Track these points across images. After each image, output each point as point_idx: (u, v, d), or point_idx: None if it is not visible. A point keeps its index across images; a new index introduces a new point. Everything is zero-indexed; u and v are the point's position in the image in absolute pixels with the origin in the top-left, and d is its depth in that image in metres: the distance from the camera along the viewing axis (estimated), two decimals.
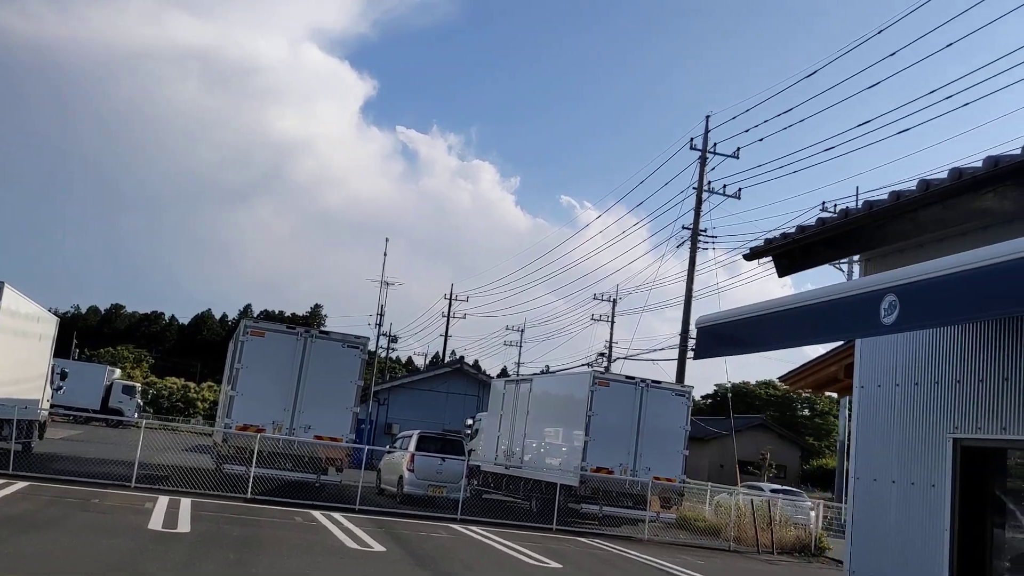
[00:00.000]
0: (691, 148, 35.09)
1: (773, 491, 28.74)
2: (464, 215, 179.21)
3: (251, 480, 19.49)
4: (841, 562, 23.51)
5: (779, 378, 9.38)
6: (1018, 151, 5.64)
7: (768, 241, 7.81)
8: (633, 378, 23.59)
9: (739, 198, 34.70)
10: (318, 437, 20.53)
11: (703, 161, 34.75)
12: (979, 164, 5.84)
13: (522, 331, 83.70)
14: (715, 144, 34.93)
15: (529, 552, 16.21)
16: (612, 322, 64.81)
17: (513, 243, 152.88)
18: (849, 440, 7.35)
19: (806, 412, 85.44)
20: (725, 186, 34.93)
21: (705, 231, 34.56)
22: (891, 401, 6.86)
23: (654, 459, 22.70)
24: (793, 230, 7.56)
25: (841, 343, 8.33)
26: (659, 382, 24.34)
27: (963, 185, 5.89)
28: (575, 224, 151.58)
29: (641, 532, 21.96)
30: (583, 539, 20.29)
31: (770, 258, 7.98)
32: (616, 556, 17.77)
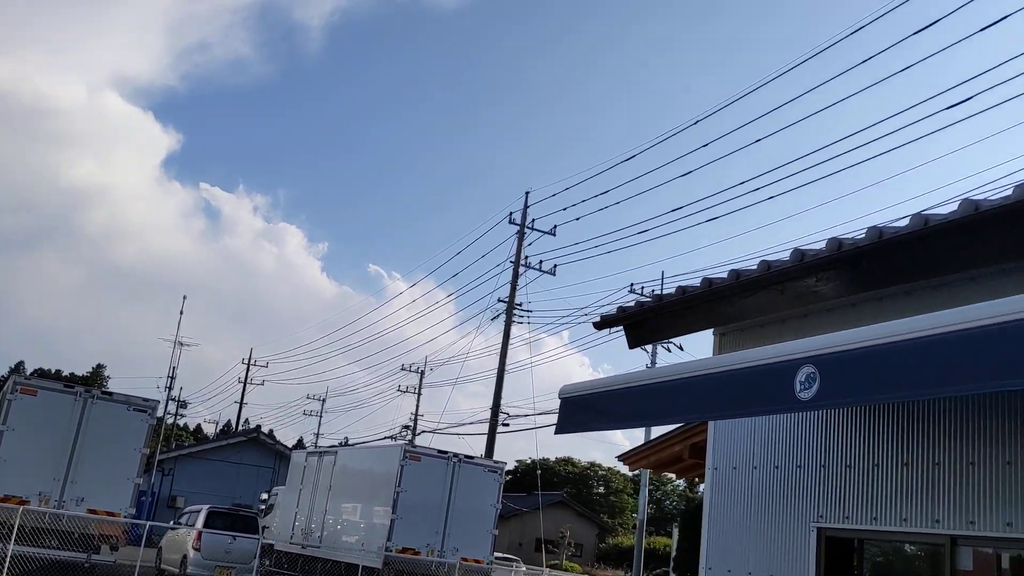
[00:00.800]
0: (510, 222, 35.23)
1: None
2: (267, 278, 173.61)
3: (7, 561, 16.89)
4: None
5: (619, 456, 8.91)
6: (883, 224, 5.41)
7: (622, 309, 7.32)
8: (445, 452, 22.67)
9: (554, 274, 35.02)
10: (92, 511, 18.18)
11: (521, 236, 34.93)
12: (819, 246, 5.62)
13: (323, 400, 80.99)
14: (533, 220, 35.26)
15: None
16: (419, 394, 63.69)
17: (317, 310, 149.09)
18: (703, 525, 6.84)
19: (601, 490, 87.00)
20: (541, 262, 35.18)
21: (520, 305, 34.54)
22: (748, 485, 6.41)
23: (462, 539, 21.73)
24: (649, 299, 7.09)
25: (682, 424, 7.94)
26: (472, 457, 23.50)
27: (835, 258, 5.58)
28: (383, 295, 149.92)
29: None
30: None
31: (621, 328, 7.48)
32: None
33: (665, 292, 7.10)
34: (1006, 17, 11.87)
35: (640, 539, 39.22)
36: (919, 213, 5.23)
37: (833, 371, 3.56)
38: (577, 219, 41.14)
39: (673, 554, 42.37)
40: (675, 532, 43.21)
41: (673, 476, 9.61)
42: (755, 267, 6.24)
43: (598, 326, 7.54)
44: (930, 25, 13.13)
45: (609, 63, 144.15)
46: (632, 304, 7.32)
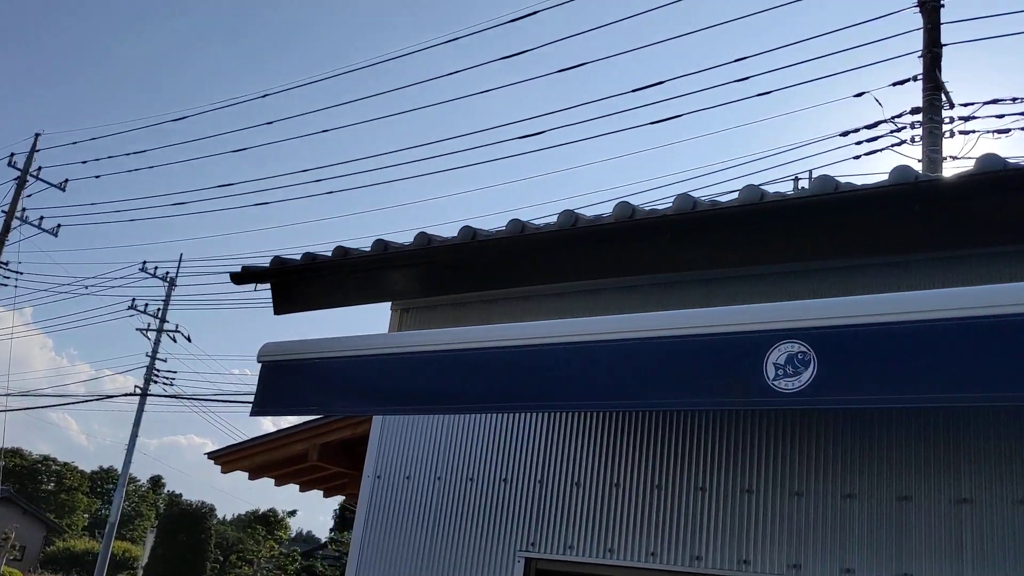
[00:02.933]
0: (10, 165, 29.52)
1: None
2: None
3: None
4: None
5: (210, 454, 6.89)
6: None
7: (279, 260, 5.60)
8: None
9: (56, 235, 30.08)
10: None
11: (21, 183, 29.43)
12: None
13: None
14: (40, 168, 29.99)
15: None
16: None
17: None
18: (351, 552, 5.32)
19: (51, 487, 78.16)
20: (42, 218, 29.99)
21: (7, 264, 28.97)
22: (427, 501, 5.11)
23: None
24: (326, 253, 5.49)
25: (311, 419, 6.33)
26: None
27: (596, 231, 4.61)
28: None
29: None
30: None
31: (267, 286, 5.75)
32: None
33: (322, 253, 5.59)
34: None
35: (108, 543, 34.95)
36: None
37: (838, 353, 2.52)
38: (97, 177, 36.06)
39: (144, 561, 38.86)
40: (150, 537, 39.76)
41: (296, 487, 7.78)
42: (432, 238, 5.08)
43: (238, 278, 5.71)
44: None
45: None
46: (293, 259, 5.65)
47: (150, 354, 36.38)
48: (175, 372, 36.90)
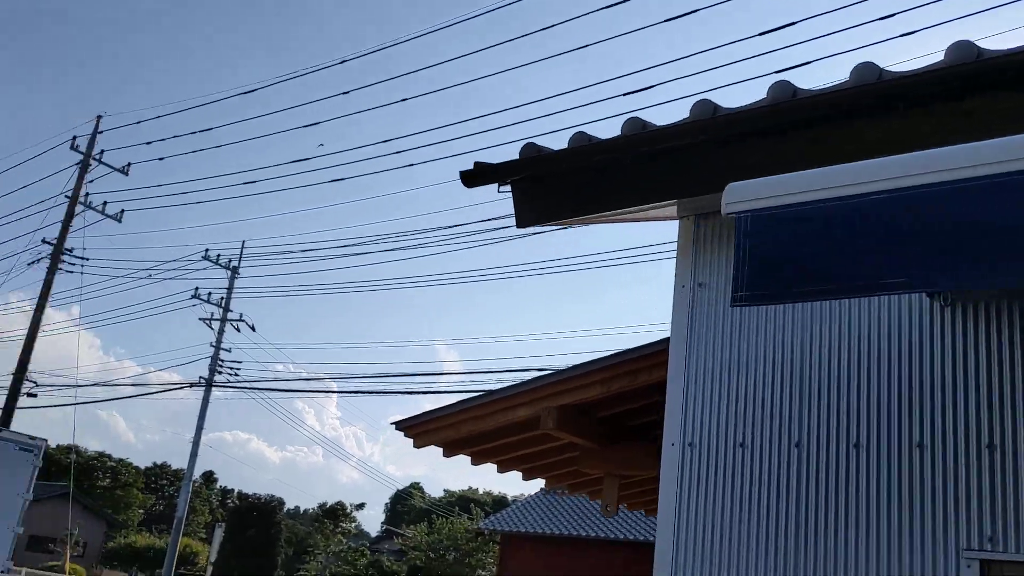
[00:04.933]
0: (72, 148, 28.51)
1: None
2: None
3: None
4: None
5: (399, 424, 5.33)
6: None
7: (533, 148, 4.08)
8: None
9: (120, 220, 29.03)
10: None
11: (84, 167, 28.41)
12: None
13: None
14: (102, 152, 28.96)
15: None
16: None
17: None
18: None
19: (107, 483, 78.12)
20: (105, 203, 28.96)
21: (72, 251, 27.95)
22: (783, 477, 3.56)
23: None
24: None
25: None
26: None
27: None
28: None
29: None
30: None
31: (509, 187, 4.23)
32: None
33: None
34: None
35: (176, 538, 34.05)
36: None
37: None
38: (160, 159, 34.97)
39: (212, 557, 37.91)
40: (218, 532, 38.84)
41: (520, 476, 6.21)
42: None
43: (469, 178, 4.20)
44: None
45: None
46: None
47: (214, 344, 35.39)
48: (239, 362, 35.86)
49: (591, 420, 5.35)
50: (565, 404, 4.89)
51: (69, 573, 39.97)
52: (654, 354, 4.80)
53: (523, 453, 6.06)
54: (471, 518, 40.23)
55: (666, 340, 4.15)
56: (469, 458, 5.90)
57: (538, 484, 8.09)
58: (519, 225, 4.22)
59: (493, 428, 5.30)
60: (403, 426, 5.44)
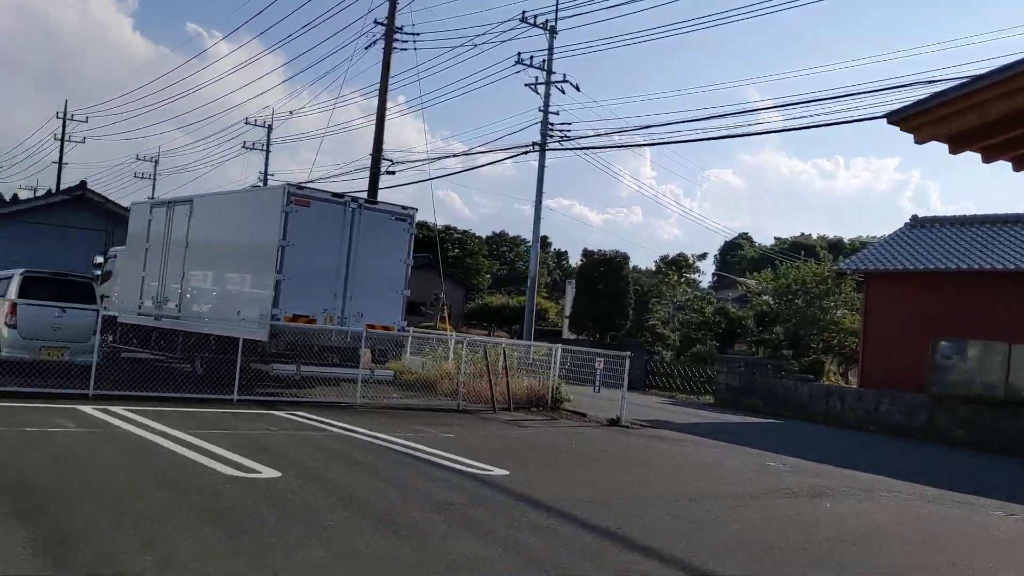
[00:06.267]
0: None
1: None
2: (73, 38, 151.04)
3: None
4: (582, 414, 20.47)
5: (893, 116, 4.43)
6: None
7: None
8: (341, 196, 17.78)
9: None
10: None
11: None
12: None
13: (156, 161, 72.36)
14: None
15: (217, 449, 10.37)
16: (268, 150, 57.22)
17: (133, 73, 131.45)
18: None
19: (456, 252, 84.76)
20: None
21: (401, 28, 28.58)
22: None
23: (368, 302, 17.40)
24: None
25: None
26: (375, 202, 18.78)
27: None
28: (206, 57, 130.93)
29: (351, 396, 16.79)
30: (278, 412, 14.71)
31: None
32: (341, 439, 12.47)
33: None
34: None
35: (531, 295, 36.15)
36: None
37: None
38: None
39: (567, 311, 39.96)
40: (569, 289, 40.67)
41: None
42: None
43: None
44: None
45: None
46: None
47: (541, 108, 35.44)
48: (569, 124, 35.62)
49: None
50: None
51: (447, 330, 44.55)
52: None
53: None
54: (818, 263, 38.55)
55: None
56: (979, 155, 4.64)
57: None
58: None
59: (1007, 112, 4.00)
60: (899, 117, 4.28)
